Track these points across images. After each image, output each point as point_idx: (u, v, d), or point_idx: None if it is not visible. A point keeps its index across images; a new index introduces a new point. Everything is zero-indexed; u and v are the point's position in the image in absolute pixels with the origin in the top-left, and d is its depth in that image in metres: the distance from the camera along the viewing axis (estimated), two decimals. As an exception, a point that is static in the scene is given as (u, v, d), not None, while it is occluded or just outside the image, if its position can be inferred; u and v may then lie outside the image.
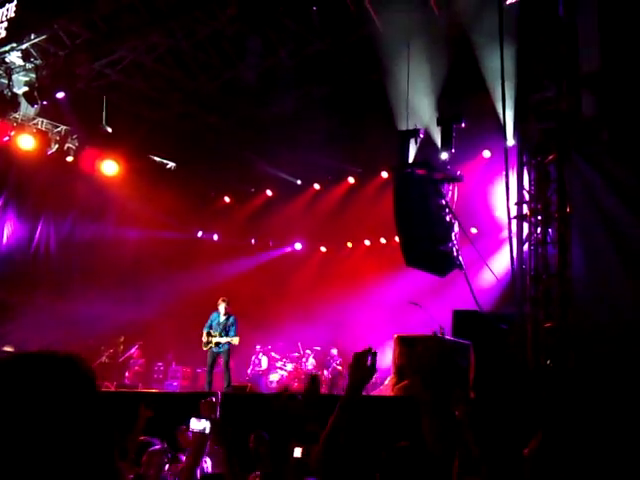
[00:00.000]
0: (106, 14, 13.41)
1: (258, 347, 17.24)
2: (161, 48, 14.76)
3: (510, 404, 8.31)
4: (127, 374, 17.39)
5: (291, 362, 17.16)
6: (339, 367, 16.69)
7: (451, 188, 12.32)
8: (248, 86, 15.35)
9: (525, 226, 10.33)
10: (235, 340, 13.29)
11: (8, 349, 16.18)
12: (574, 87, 9.86)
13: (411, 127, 12.34)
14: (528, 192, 10.40)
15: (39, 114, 17.11)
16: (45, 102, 15.20)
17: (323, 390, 16.10)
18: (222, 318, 13.49)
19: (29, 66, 14.89)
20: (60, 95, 14.86)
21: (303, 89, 15.29)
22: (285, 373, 16.86)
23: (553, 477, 3.84)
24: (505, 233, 10.94)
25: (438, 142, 12.49)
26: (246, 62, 14.54)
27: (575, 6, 9.90)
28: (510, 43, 10.29)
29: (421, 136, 12.45)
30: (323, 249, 20.70)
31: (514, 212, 10.45)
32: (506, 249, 10.66)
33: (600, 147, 9.60)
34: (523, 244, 10.23)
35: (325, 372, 16.66)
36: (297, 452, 6.13)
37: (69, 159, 17.88)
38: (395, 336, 10.61)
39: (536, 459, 3.61)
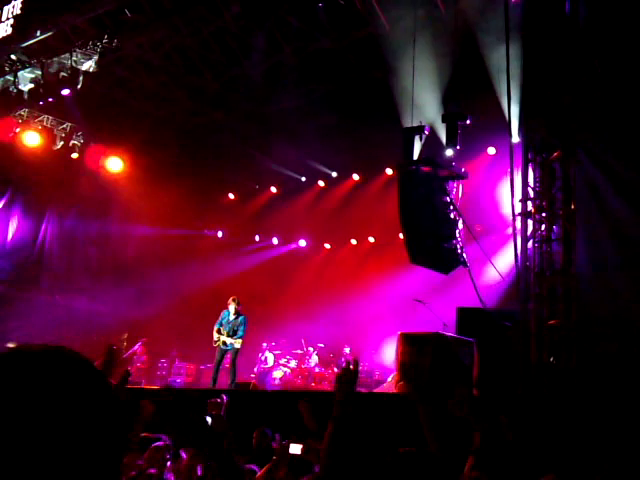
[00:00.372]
0: (111, 11, 13.43)
1: (265, 344, 17.24)
2: (166, 45, 14.78)
3: (513, 401, 8.31)
4: (130, 370, 17.39)
5: (294, 359, 17.17)
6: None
7: (456, 185, 12.29)
8: (253, 83, 15.35)
9: (530, 223, 10.32)
10: (237, 343, 13.28)
11: (12, 345, 16.23)
12: (580, 85, 9.84)
13: (416, 124, 12.32)
14: (533, 189, 10.39)
15: (45, 111, 17.14)
16: (51, 99, 15.23)
17: (331, 387, 16.12)
18: (232, 317, 13.50)
19: (35, 62, 14.90)
20: (65, 92, 14.88)
21: (308, 86, 15.28)
22: (288, 370, 16.87)
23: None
24: (510, 230, 10.92)
25: (443, 139, 12.45)
26: (251, 59, 14.54)
27: (581, 3, 9.87)
28: (515, 40, 10.27)
29: (426, 133, 12.42)
30: (327, 246, 20.69)
31: (519, 209, 10.44)
32: (510, 246, 10.65)
33: (604, 145, 9.58)
34: (527, 241, 10.22)
35: (335, 369, 16.61)
36: (296, 449, 6.13)
37: (74, 156, 17.93)
38: (399, 333, 10.60)
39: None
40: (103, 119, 16.82)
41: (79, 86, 14.62)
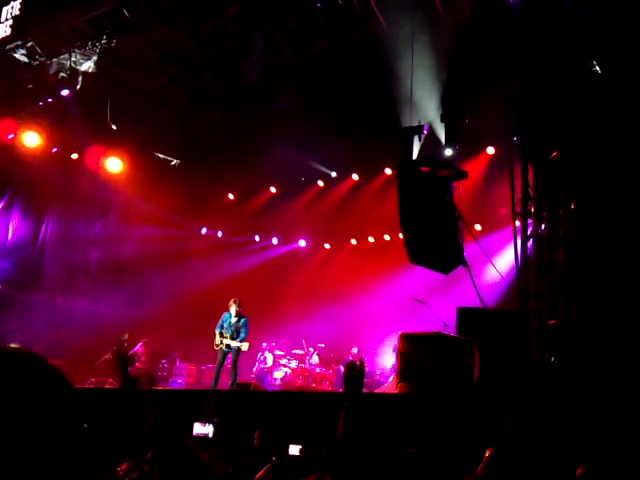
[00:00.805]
0: (110, 11, 13.43)
1: (264, 344, 17.25)
2: (165, 45, 14.78)
3: (515, 401, 8.32)
4: (131, 371, 17.40)
5: (295, 359, 17.18)
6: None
7: (455, 185, 12.30)
8: (252, 83, 15.35)
9: (529, 223, 10.32)
10: (245, 346, 13.30)
11: (13, 346, 16.21)
12: (580, 84, 9.84)
13: (415, 124, 12.32)
14: (532, 189, 10.39)
15: (44, 111, 17.13)
16: (50, 99, 15.23)
17: (331, 387, 16.15)
18: (233, 319, 13.50)
19: (34, 63, 14.90)
20: (65, 92, 14.88)
21: (306, 86, 15.28)
22: (289, 370, 16.88)
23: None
24: (510, 230, 10.93)
25: (442, 139, 12.46)
26: (250, 59, 14.54)
27: (581, 1, 9.87)
28: (514, 39, 10.27)
29: (425, 133, 12.42)
30: (327, 246, 20.70)
31: (518, 209, 10.44)
32: (510, 246, 10.65)
33: (603, 144, 9.59)
34: (528, 241, 10.22)
35: (341, 368, 16.61)
36: (294, 450, 6.15)
37: (74, 156, 17.91)
38: (400, 333, 10.62)
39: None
40: (102, 119, 16.78)
41: (78, 86, 14.64)
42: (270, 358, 17.02)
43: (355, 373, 3.49)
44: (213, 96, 16.68)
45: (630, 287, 9.08)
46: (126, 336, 17.96)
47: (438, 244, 11.86)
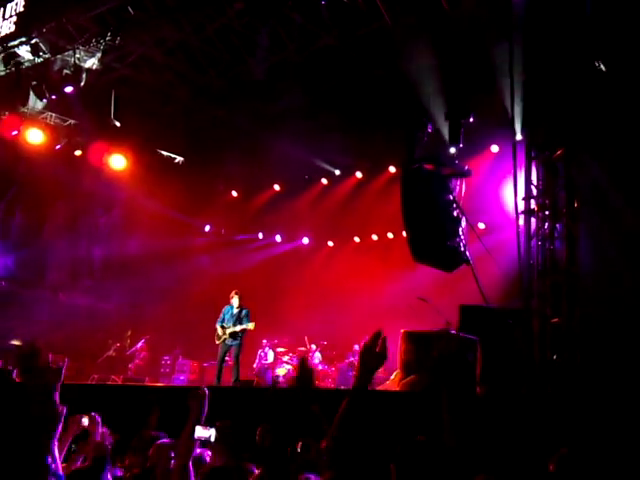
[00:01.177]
0: (114, 8, 13.42)
1: (265, 341, 17.26)
2: (170, 42, 14.77)
3: (517, 399, 8.31)
4: (130, 367, 17.44)
5: (297, 356, 17.17)
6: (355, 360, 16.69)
7: (459, 183, 12.30)
8: (256, 81, 15.34)
9: (533, 221, 10.32)
10: (251, 325, 13.36)
11: (16, 343, 16.28)
12: (584, 83, 9.83)
13: (419, 122, 12.31)
14: (536, 187, 10.39)
15: (48, 108, 17.15)
16: (54, 96, 15.23)
17: (333, 385, 16.16)
18: (235, 310, 13.56)
19: (38, 60, 14.91)
20: (69, 89, 14.88)
21: (311, 84, 15.27)
22: (291, 367, 16.89)
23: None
24: (513, 228, 10.91)
25: (446, 137, 12.46)
26: (255, 57, 14.53)
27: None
28: (519, 38, 10.26)
29: (429, 131, 12.42)
30: (330, 244, 20.69)
31: (522, 207, 10.44)
32: (514, 244, 10.64)
33: (607, 142, 9.58)
34: (531, 239, 10.22)
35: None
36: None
37: (77, 153, 17.93)
38: (402, 331, 10.61)
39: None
40: (107, 116, 16.78)
41: (82, 83, 14.64)
42: (271, 355, 17.03)
43: (375, 353, 3.19)
44: (217, 93, 16.67)
45: (632, 285, 9.08)
46: (129, 333, 18.03)
47: (441, 242, 11.86)
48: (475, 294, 11.64)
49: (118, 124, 16.60)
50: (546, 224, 10.12)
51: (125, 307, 18.98)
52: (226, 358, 13.73)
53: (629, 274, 9.25)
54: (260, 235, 21.56)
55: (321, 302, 18.04)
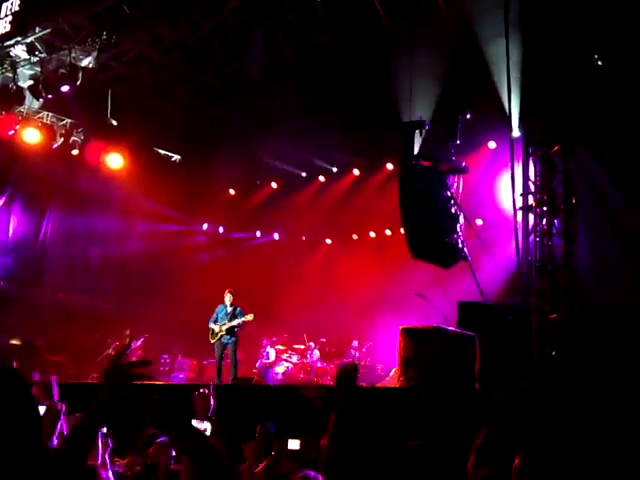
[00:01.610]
0: (110, 7, 13.39)
1: (265, 341, 17.27)
2: (166, 41, 14.75)
3: (516, 395, 8.32)
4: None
5: (296, 354, 17.19)
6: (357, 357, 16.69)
7: (456, 179, 12.30)
8: (253, 79, 15.32)
9: (531, 217, 10.33)
10: (249, 317, 13.41)
11: (14, 342, 16.27)
12: (580, 79, 9.83)
13: (416, 119, 12.31)
14: (534, 183, 10.40)
15: (44, 107, 17.11)
16: (50, 95, 15.19)
17: (333, 382, 16.14)
18: (229, 309, 13.60)
19: (34, 59, 14.87)
20: (65, 88, 14.84)
21: (307, 82, 15.25)
22: (291, 365, 16.90)
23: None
24: (511, 224, 10.93)
25: (443, 134, 12.45)
26: (251, 55, 14.51)
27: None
28: (516, 34, 10.26)
29: (426, 128, 12.41)
30: (328, 241, 20.70)
31: (520, 203, 10.45)
32: (512, 240, 10.65)
33: (604, 139, 9.59)
34: (529, 235, 10.23)
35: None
36: (294, 444, 6.17)
37: (74, 152, 17.88)
38: (401, 328, 10.61)
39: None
40: (103, 115, 16.74)
41: (78, 82, 14.60)
42: (272, 353, 17.04)
43: (348, 378, 3.39)
44: (214, 91, 16.65)
45: (630, 280, 9.10)
46: (127, 332, 18.00)
47: (439, 239, 11.87)
48: (473, 290, 11.66)
49: (115, 123, 16.58)
50: (544, 220, 10.13)
51: (123, 306, 18.95)
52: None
53: (626, 269, 9.27)
54: (258, 233, 21.56)
55: (319, 299, 18.05)
